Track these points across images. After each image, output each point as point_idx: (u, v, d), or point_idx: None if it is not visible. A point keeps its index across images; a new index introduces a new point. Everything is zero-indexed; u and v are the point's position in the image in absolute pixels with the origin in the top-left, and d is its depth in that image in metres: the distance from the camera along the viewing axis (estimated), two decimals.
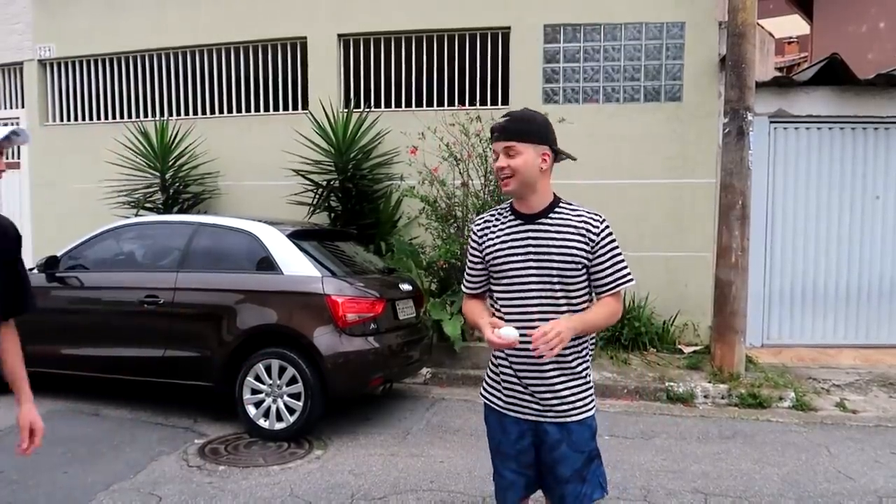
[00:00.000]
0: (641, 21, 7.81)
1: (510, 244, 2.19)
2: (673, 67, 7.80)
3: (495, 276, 2.24)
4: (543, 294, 2.16)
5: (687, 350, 7.28)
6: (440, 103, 8.31)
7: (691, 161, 7.69)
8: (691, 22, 7.69)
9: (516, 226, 2.21)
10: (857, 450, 4.83)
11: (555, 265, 2.14)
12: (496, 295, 2.26)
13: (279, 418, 4.90)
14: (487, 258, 2.24)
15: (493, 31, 8.12)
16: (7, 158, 9.69)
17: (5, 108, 9.83)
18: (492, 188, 7.01)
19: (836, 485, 4.15)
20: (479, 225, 2.31)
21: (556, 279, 2.14)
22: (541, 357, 2.03)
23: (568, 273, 2.14)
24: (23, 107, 9.63)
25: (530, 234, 2.17)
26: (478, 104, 8.07)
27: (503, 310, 2.22)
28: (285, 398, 4.90)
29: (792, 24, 17.82)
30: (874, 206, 7.60)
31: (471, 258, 2.33)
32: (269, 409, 4.92)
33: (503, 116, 2.18)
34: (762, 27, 9.35)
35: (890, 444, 5.00)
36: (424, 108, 8.28)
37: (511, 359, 2.22)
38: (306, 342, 4.86)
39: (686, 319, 7.57)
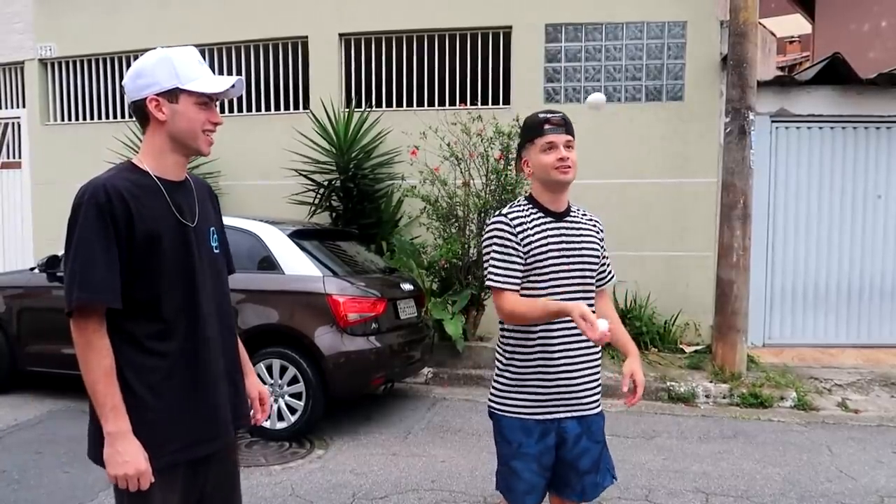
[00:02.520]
0: (643, 20, 7.81)
1: (549, 239, 2.20)
2: (674, 67, 7.80)
3: (535, 272, 2.19)
4: (582, 288, 2.24)
5: (688, 350, 7.27)
6: (441, 103, 8.31)
7: (693, 160, 7.68)
8: (693, 21, 7.68)
9: (549, 222, 2.23)
10: (858, 450, 4.83)
11: (586, 259, 2.25)
12: (533, 293, 2.20)
13: (280, 418, 4.90)
14: (527, 253, 2.19)
15: (495, 31, 8.12)
16: (7, 158, 9.74)
17: (6, 107, 9.83)
18: (493, 187, 7.00)
19: (837, 485, 4.14)
20: (511, 217, 2.21)
21: (587, 272, 2.26)
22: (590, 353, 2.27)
23: (594, 266, 2.29)
24: (24, 106, 9.63)
25: (563, 231, 2.24)
26: (479, 104, 8.07)
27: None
28: (287, 398, 4.91)
29: (794, 24, 17.82)
30: (876, 206, 7.59)
31: (508, 250, 2.18)
32: (270, 408, 4.91)
33: (549, 113, 2.23)
34: (764, 26, 9.34)
35: (892, 443, 4.99)
36: (426, 107, 8.28)
37: (557, 355, 2.20)
38: (307, 342, 4.86)
39: (687, 319, 7.56)
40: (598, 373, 2.32)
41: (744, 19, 6.36)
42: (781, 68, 14.02)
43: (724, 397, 6.07)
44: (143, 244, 1.72)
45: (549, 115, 2.21)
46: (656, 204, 7.72)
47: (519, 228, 2.19)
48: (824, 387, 6.33)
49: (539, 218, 2.23)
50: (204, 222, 1.90)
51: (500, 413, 2.27)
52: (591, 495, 2.27)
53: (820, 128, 7.59)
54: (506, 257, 2.18)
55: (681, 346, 7.39)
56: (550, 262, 2.18)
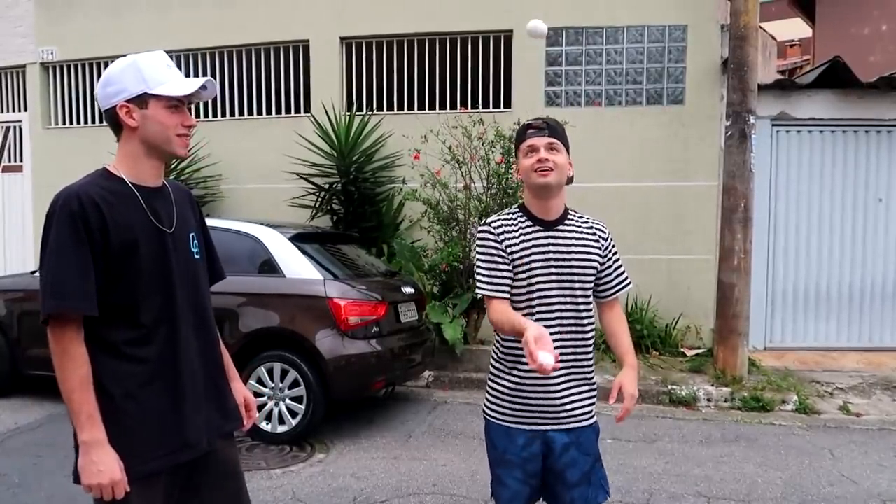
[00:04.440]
0: (643, 24, 7.81)
1: (533, 249, 2.15)
2: (675, 70, 7.80)
3: (520, 282, 2.15)
4: (564, 300, 2.16)
5: (689, 353, 7.26)
6: (442, 106, 8.32)
7: (693, 164, 7.68)
8: (693, 25, 7.69)
9: (536, 231, 2.17)
10: (860, 453, 4.82)
11: (576, 271, 2.17)
12: (521, 303, 2.17)
13: (281, 421, 4.90)
14: (511, 262, 2.16)
15: (496, 34, 8.13)
16: (8, 161, 9.75)
17: (8, 110, 9.85)
18: (494, 191, 7.01)
19: (839, 488, 4.13)
20: (495, 225, 2.19)
21: (577, 285, 2.17)
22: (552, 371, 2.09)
23: (587, 278, 2.19)
24: (25, 110, 9.65)
25: (551, 241, 2.17)
26: (480, 107, 8.08)
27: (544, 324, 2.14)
28: (287, 401, 4.90)
29: (794, 27, 17.83)
30: (877, 209, 7.59)
31: (493, 258, 2.16)
32: (271, 412, 4.92)
33: (534, 119, 2.22)
34: (764, 30, 9.36)
35: (893, 447, 4.98)
36: (427, 111, 8.28)
37: (522, 368, 2.16)
38: (308, 345, 4.86)
39: (688, 322, 7.55)
40: (590, 386, 2.27)
41: (744, 23, 6.36)
42: (782, 72, 14.04)
43: (725, 401, 6.07)
44: (118, 251, 1.70)
45: (532, 121, 2.21)
46: (657, 207, 7.72)
47: (503, 237, 2.17)
48: (826, 390, 6.32)
49: (527, 227, 2.18)
50: (183, 228, 1.87)
51: (488, 418, 2.28)
52: None
53: (821, 131, 7.59)
54: (491, 266, 2.17)
55: (682, 350, 7.38)
56: (535, 272, 2.14)
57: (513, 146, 7.48)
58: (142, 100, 1.75)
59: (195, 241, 1.93)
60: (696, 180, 7.67)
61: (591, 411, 2.26)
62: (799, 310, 7.68)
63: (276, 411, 4.90)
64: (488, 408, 2.28)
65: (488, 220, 2.25)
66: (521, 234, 2.17)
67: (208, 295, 1.96)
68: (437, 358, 6.53)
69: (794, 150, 7.62)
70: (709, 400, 6.09)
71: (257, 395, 4.93)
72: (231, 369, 2.08)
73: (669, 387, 6.21)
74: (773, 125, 7.55)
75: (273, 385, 4.92)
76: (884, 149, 7.56)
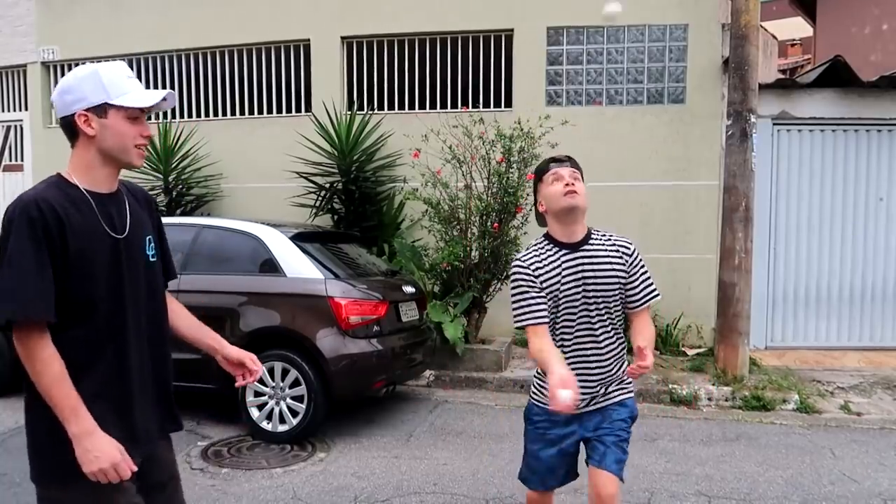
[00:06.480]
0: (644, 23, 7.81)
1: (565, 271, 2.35)
2: (676, 70, 7.80)
3: (552, 302, 2.36)
4: (600, 315, 2.39)
5: (690, 352, 7.26)
6: (443, 105, 8.32)
7: (694, 163, 7.68)
8: (694, 24, 7.69)
9: (563, 255, 2.37)
10: (861, 452, 4.82)
11: (603, 286, 2.38)
12: (556, 322, 2.40)
13: (282, 421, 4.90)
14: (545, 289, 2.35)
15: (497, 34, 8.12)
16: (9, 161, 9.75)
17: (8, 110, 9.86)
18: (494, 190, 7.00)
19: (840, 487, 4.13)
20: (527, 260, 2.38)
21: (610, 299, 2.39)
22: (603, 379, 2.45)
23: (614, 292, 2.40)
24: (26, 109, 9.66)
25: (580, 261, 2.37)
26: (481, 106, 8.08)
27: (566, 338, 2.41)
28: (288, 400, 4.90)
29: (795, 27, 17.84)
30: (878, 208, 7.59)
31: (529, 289, 2.34)
32: (272, 411, 4.92)
33: (557, 155, 2.49)
34: (765, 29, 9.36)
35: (894, 446, 4.98)
36: (427, 110, 8.28)
37: (581, 357, 2.42)
38: (309, 344, 4.86)
39: (689, 322, 7.56)
40: (617, 370, 2.46)
41: (745, 22, 6.36)
42: (783, 71, 14.04)
43: (726, 400, 6.06)
44: (74, 257, 1.70)
45: (555, 156, 2.47)
46: (658, 207, 7.72)
47: (533, 266, 2.36)
48: (826, 389, 6.32)
49: (555, 253, 2.38)
50: (136, 232, 1.87)
51: (534, 401, 2.54)
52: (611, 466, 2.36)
53: (822, 130, 7.59)
54: (529, 295, 2.34)
55: (683, 349, 7.38)
56: (566, 294, 2.35)
57: (513, 145, 7.43)
58: (101, 109, 1.75)
59: (151, 244, 1.93)
60: (697, 179, 7.66)
61: (623, 389, 2.51)
62: (800, 309, 7.68)
63: (276, 410, 4.90)
64: (537, 394, 2.51)
65: (520, 256, 2.42)
66: (550, 261, 2.36)
67: (163, 298, 1.97)
68: (437, 357, 6.54)
69: (795, 149, 7.62)
70: (710, 399, 6.09)
71: (258, 394, 4.94)
72: (218, 339, 2.07)
73: (670, 386, 6.21)
74: (774, 124, 7.55)
75: (274, 384, 4.92)
76: (884, 148, 7.55)
